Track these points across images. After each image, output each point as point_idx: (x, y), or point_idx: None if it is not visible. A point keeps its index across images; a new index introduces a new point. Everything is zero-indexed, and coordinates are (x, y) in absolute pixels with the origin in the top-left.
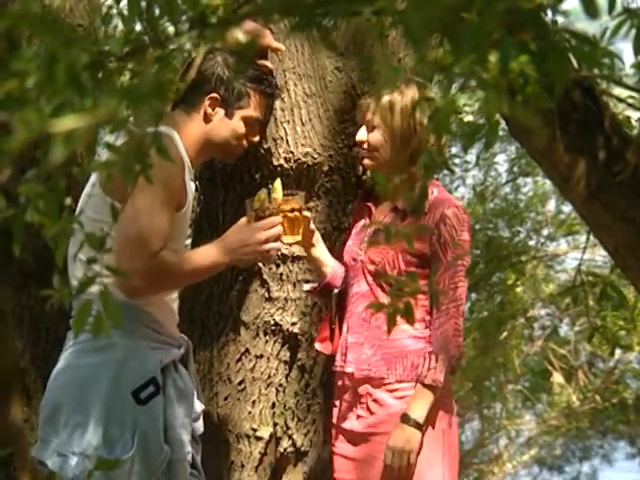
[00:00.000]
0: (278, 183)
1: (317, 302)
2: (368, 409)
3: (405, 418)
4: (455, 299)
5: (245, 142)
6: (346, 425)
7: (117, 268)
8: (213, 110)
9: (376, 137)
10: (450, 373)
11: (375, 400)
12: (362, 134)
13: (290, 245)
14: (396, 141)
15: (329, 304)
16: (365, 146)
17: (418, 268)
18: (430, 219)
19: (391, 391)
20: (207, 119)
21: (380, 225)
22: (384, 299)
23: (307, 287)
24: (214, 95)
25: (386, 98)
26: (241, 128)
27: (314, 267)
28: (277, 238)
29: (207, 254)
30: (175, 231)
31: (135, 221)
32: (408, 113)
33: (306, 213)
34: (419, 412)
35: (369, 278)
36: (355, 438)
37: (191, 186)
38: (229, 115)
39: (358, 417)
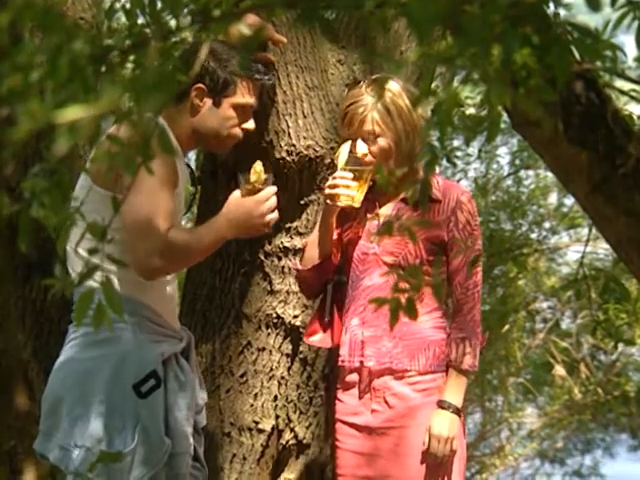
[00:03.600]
0: (346, 145)
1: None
2: (386, 403)
3: (444, 404)
4: (477, 284)
5: (239, 130)
6: (358, 420)
7: (131, 253)
8: (201, 101)
9: (382, 146)
10: None
11: (395, 394)
12: (363, 147)
13: (348, 207)
14: (402, 143)
15: (312, 291)
16: (368, 159)
17: (438, 256)
18: (445, 206)
19: (412, 384)
20: (195, 110)
21: (391, 218)
22: None
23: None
24: (200, 86)
25: (378, 104)
26: (232, 116)
27: (322, 236)
28: (274, 209)
29: (213, 229)
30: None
31: (141, 205)
32: (405, 111)
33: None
34: (457, 398)
35: (385, 270)
36: (370, 433)
37: (184, 171)
38: (217, 104)
39: (373, 411)
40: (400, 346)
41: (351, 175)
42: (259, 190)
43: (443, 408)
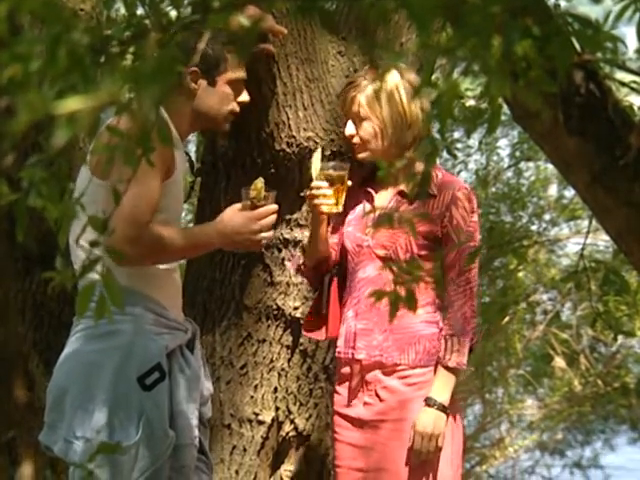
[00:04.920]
0: (317, 153)
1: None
2: (377, 396)
3: (430, 401)
4: (469, 280)
5: (236, 104)
6: (351, 412)
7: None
8: (196, 83)
9: (367, 130)
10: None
11: (385, 387)
12: (350, 128)
13: (332, 213)
14: (388, 130)
15: (317, 285)
16: (355, 140)
17: (430, 251)
18: (440, 201)
19: (402, 377)
20: (192, 94)
21: (388, 210)
22: None
23: (295, 263)
24: (193, 69)
25: (370, 88)
26: (229, 92)
27: (317, 243)
28: (270, 227)
29: (200, 234)
30: (166, 201)
31: (126, 193)
32: (395, 99)
33: (349, 182)
34: (443, 395)
35: (378, 263)
36: (362, 426)
37: (183, 159)
38: (212, 83)
39: (365, 404)
40: (390, 339)
41: (326, 184)
42: (257, 207)
43: (429, 405)
